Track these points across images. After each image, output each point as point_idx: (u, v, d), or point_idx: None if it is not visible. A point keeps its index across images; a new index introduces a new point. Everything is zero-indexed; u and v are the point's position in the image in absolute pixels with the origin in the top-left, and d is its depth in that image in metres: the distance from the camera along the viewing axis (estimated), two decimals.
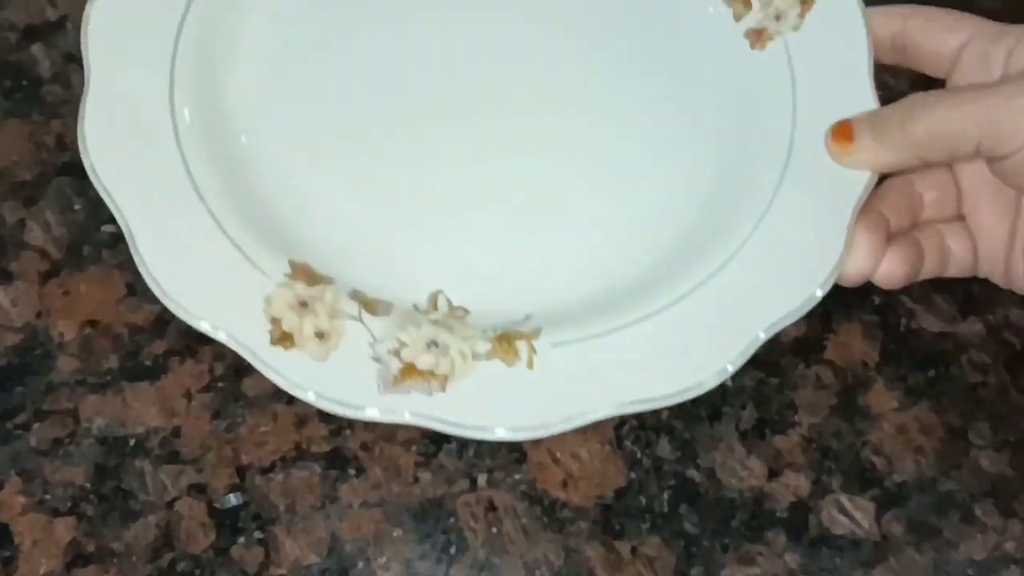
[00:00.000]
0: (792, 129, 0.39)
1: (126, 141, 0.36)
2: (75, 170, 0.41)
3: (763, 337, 0.35)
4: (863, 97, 0.39)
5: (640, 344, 0.35)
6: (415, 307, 0.36)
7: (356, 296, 0.36)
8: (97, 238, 0.40)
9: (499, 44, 0.42)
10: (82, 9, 0.42)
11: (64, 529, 0.36)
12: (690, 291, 0.37)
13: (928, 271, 0.37)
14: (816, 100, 0.39)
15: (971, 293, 0.42)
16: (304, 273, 0.36)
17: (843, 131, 0.37)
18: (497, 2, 0.43)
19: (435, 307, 0.37)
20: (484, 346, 0.35)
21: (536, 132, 0.41)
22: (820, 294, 0.35)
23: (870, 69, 0.39)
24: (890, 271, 0.36)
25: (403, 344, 0.35)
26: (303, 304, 0.35)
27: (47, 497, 0.36)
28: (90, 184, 0.40)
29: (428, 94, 0.41)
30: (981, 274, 0.38)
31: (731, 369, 0.34)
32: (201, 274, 0.34)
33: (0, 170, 0.41)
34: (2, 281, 0.39)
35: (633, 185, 0.40)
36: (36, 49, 0.43)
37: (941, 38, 0.38)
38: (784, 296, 0.36)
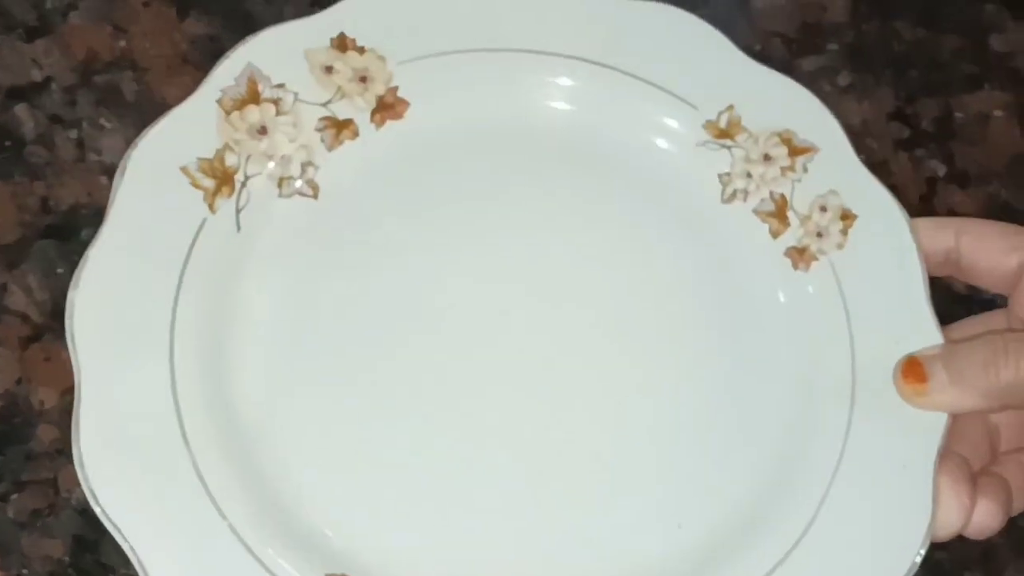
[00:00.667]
0: (852, 361, 0.37)
1: (131, 463, 0.33)
2: (58, 233, 0.41)
3: None
4: (922, 322, 0.37)
5: None
6: None
7: None
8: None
9: (533, 315, 0.39)
10: (66, 71, 0.42)
11: None
12: (777, 565, 0.35)
13: (1018, 508, 0.35)
14: (872, 325, 0.38)
15: None
16: None
17: (914, 370, 0.34)
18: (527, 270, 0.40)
19: None
20: None
21: (590, 405, 0.38)
22: (919, 560, 0.34)
23: (926, 288, 0.38)
24: (983, 523, 0.33)
25: None
26: None
27: (24, 571, 0.35)
28: (74, 248, 0.40)
29: (460, 379, 0.38)
30: None
31: None
32: None
33: None
34: None
35: (692, 455, 0.37)
36: (20, 110, 0.43)
37: (998, 257, 0.35)
38: (884, 569, 0.34)
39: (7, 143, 0.42)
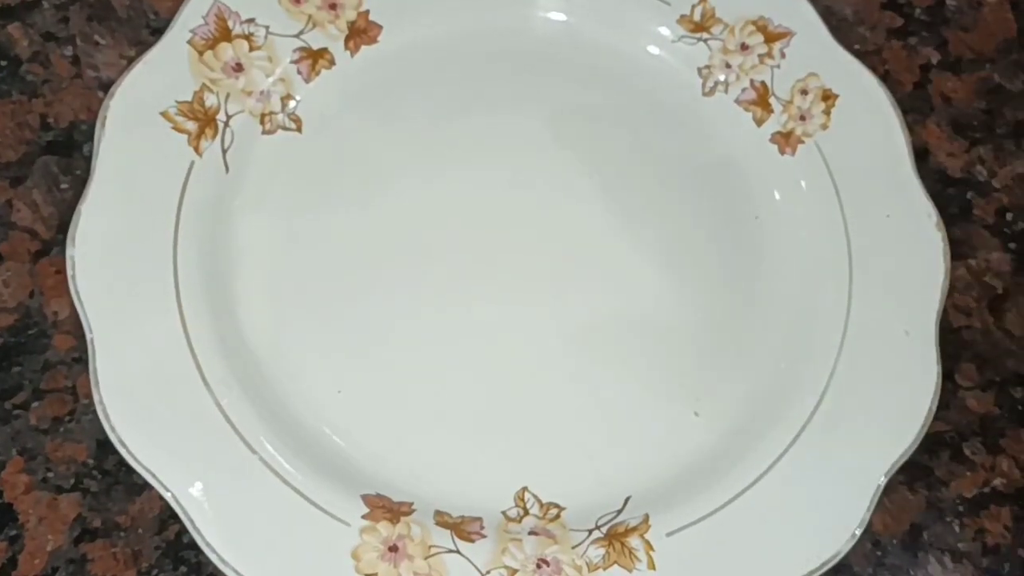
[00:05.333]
0: (847, 240, 0.39)
1: (156, 410, 0.34)
2: (60, 149, 0.41)
3: (884, 482, 0.34)
4: (911, 194, 0.39)
5: (759, 518, 0.34)
6: (504, 515, 0.35)
7: (443, 521, 0.34)
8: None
9: (545, 211, 0.40)
10: None
11: (69, 505, 0.36)
12: (792, 442, 0.35)
13: None
14: (863, 201, 0.39)
15: (953, 238, 0.42)
16: (381, 508, 0.34)
17: None
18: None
19: (525, 509, 0.35)
20: (597, 552, 0.34)
21: (598, 304, 0.38)
22: (925, 427, 0.36)
23: (912, 160, 0.39)
24: None
25: (511, 570, 0.33)
26: (393, 549, 0.33)
27: (50, 475, 0.36)
28: (76, 162, 0.40)
29: (469, 287, 0.38)
30: None
31: (859, 532, 0.34)
32: (275, 543, 0.33)
33: None
34: None
35: (703, 346, 0.38)
36: (13, 29, 0.43)
37: None
38: (895, 431, 0.35)
39: (2, 63, 0.42)
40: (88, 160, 0.40)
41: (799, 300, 0.39)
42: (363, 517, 0.34)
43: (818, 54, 0.41)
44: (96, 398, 0.34)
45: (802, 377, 0.37)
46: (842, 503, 0.34)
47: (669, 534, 0.34)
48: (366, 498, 0.34)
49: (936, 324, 0.37)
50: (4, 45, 0.43)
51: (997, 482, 0.39)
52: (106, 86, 0.42)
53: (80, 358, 0.38)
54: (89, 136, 0.41)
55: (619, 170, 0.40)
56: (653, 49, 0.42)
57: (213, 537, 0.32)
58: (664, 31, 0.42)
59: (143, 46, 0.43)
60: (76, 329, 0.38)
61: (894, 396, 0.36)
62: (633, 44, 0.42)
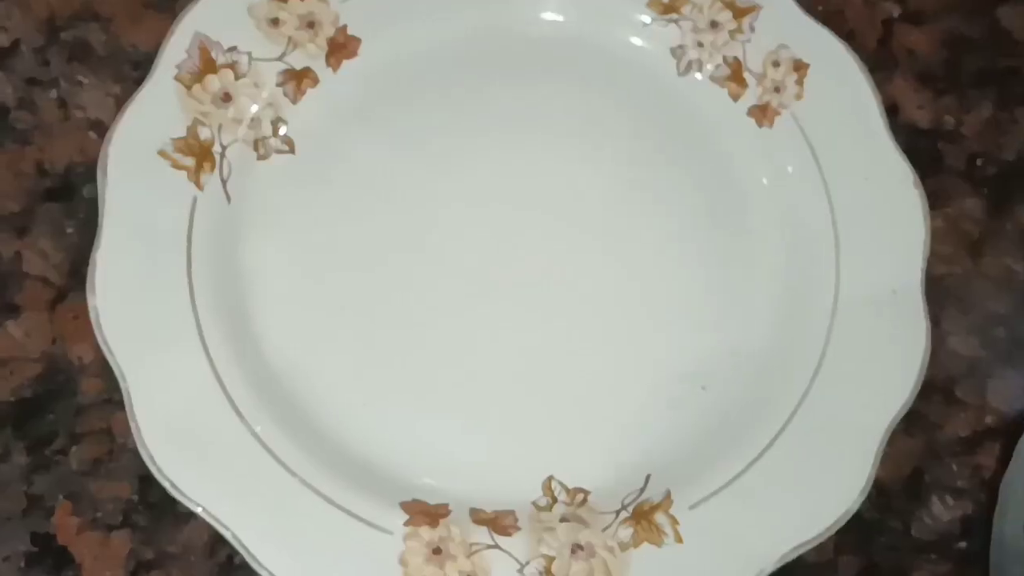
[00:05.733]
0: (830, 206, 0.40)
1: (195, 445, 0.35)
2: (60, 194, 0.42)
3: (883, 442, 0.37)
4: (886, 154, 0.40)
5: (774, 483, 0.36)
6: (535, 505, 0.36)
7: (480, 519, 0.36)
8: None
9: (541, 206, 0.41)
10: (32, 31, 0.43)
11: (120, 542, 0.38)
12: (797, 406, 0.37)
13: None
14: (841, 166, 0.41)
15: (929, 190, 0.44)
16: (420, 513, 0.36)
17: None
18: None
19: (553, 497, 0.36)
20: (626, 532, 0.35)
21: (601, 291, 0.40)
22: (920, 379, 0.38)
23: (884, 121, 0.41)
24: None
25: (549, 559, 0.35)
26: (436, 551, 0.35)
27: (99, 514, 0.38)
28: (77, 205, 0.41)
29: (482, 290, 0.40)
30: None
31: (868, 486, 0.36)
32: (324, 559, 0.34)
33: None
34: (10, 315, 0.40)
35: (704, 320, 0.40)
36: None
37: None
38: (893, 386, 0.38)
39: None
40: (89, 202, 0.41)
41: (790, 268, 0.41)
42: (404, 524, 0.35)
43: (786, 25, 0.43)
44: (138, 442, 0.35)
45: (800, 343, 0.39)
46: (850, 458, 0.37)
47: (692, 507, 0.36)
48: (405, 505, 0.36)
49: (921, 281, 0.39)
50: None
51: (988, 419, 0.41)
52: (95, 125, 0.43)
53: (110, 399, 0.39)
54: (86, 177, 0.42)
55: (615, 161, 0.42)
56: (636, 40, 0.43)
57: (266, 559, 0.34)
58: (642, 18, 0.43)
59: (127, 82, 0.43)
60: (102, 371, 0.39)
61: (889, 352, 0.38)
62: (615, 37, 0.43)
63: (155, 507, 0.38)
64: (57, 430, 0.39)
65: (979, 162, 0.45)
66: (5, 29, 0.44)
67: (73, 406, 0.39)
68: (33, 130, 0.42)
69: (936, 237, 0.43)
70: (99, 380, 0.39)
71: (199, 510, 0.35)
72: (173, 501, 0.38)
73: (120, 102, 0.43)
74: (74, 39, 0.44)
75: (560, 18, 0.43)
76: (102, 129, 0.42)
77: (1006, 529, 0.37)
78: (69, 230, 0.41)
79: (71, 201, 0.42)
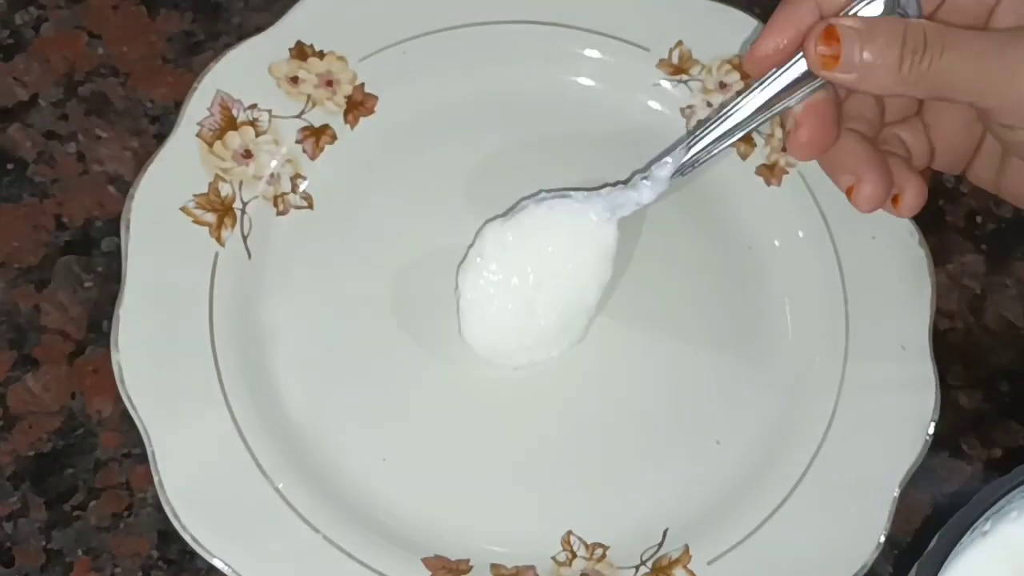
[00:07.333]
0: (839, 266, 0.42)
1: (219, 501, 0.36)
2: (78, 247, 0.42)
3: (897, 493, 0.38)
4: None
5: (789, 538, 0.37)
6: (555, 560, 0.37)
7: (500, 574, 0.36)
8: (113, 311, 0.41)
9: None
10: (51, 85, 0.43)
11: None
12: (810, 461, 0.38)
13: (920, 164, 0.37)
14: (849, 226, 0.42)
15: (930, 246, 0.45)
16: (442, 568, 0.36)
17: (830, 35, 0.32)
18: None
19: (572, 552, 0.37)
20: None
21: (619, 354, 0.41)
22: (931, 434, 0.39)
23: None
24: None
25: None
26: None
27: (117, 570, 0.38)
28: (96, 259, 0.42)
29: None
30: (937, 167, 0.38)
31: (883, 540, 0.37)
32: None
33: (3, 258, 0.42)
34: (29, 368, 0.40)
35: (719, 378, 0.41)
36: (14, 131, 0.44)
37: None
38: (904, 441, 0.38)
39: (8, 166, 0.43)
40: (107, 255, 0.42)
41: (800, 325, 0.42)
42: None
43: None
44: (162, 498, 0.36)
45: (812, 398, 0.40)
46: (865, 513, 0.37)
47: (710, 562, 0.37)
48: (426, 560, 0.36)
49: (929, 337, 0.40)
50: (7, 148, 0.43)
51: (995, 474, 0.42)
52: (114, 179, 0.43)
53: (129, 453, 0.39)
54: (105, 231, 0.42)
55: (631, 225, 0.42)
56: (654, 104, 0.44)
57: None
58: (654, 80, 0.44)
59: (144, 136, 0.44)
60: (122, 425, 0.39)
61: (898, 408, 0.39)
62: (636, 100, 0.44)
63: (174, 563, 0.38)
64: (76, 485, 0.39)
65: (978, 219, 0.46)
66: (24, 83, 0.44)
67: (92, 460, 0.39)
68: (52, 183, 0.43)
69: (939, 293, 0.44)
70: (118, 434, 0.39)
71: (222, 566, 0.35)
72: (192, 557, 0.38)
73: (138, 156, 0.43)
74: (92, 93, 0.44)
75: (592, 83, 0.44)
76: (120, 183, 0.43)
77: None
78: (88, 283, 0.42)
79: (89, 254, 0.42)
